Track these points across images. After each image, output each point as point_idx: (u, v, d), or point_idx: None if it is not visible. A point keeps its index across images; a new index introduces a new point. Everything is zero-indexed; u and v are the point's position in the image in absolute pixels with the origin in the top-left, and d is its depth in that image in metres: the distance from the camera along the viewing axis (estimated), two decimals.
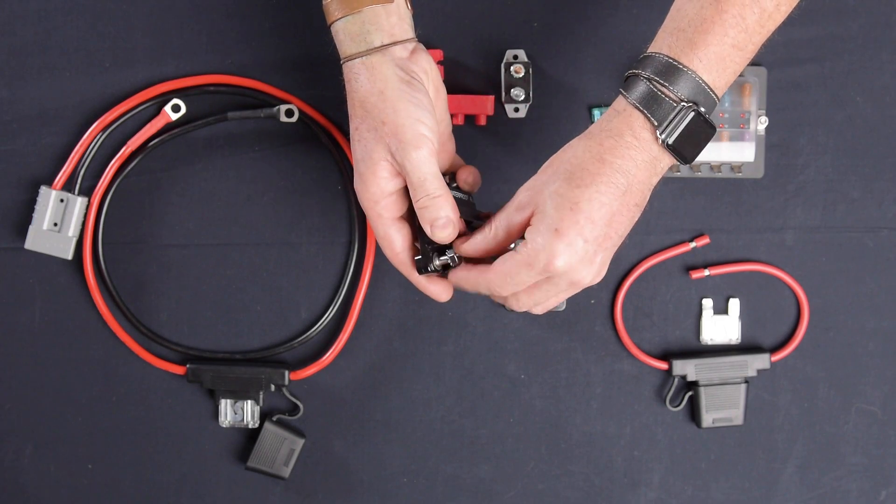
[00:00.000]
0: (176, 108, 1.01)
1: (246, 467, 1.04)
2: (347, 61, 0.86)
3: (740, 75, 1.01)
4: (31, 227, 1.01)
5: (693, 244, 1.04)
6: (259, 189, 1.03)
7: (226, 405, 1.03)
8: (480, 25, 1.02)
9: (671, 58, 0.81)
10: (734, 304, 1.05)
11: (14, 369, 1.04)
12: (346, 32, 0.86)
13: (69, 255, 1.01)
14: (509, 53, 1.01)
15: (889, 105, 1.03)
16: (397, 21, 0.86)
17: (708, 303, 1.05)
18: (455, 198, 0.89)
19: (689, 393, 1.05)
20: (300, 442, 1.04)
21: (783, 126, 1.03)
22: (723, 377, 1.04)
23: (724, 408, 1.04)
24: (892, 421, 1.06)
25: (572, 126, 1.02)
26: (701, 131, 0.82)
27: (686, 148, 0.82)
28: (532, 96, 1.01)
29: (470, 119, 1.02)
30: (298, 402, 1.04)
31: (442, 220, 0.85)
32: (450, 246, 0.88)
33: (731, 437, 1.06)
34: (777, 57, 1.02)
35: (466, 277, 0.87)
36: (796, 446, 1.06)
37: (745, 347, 1.05)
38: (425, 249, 0.88)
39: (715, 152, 1.01)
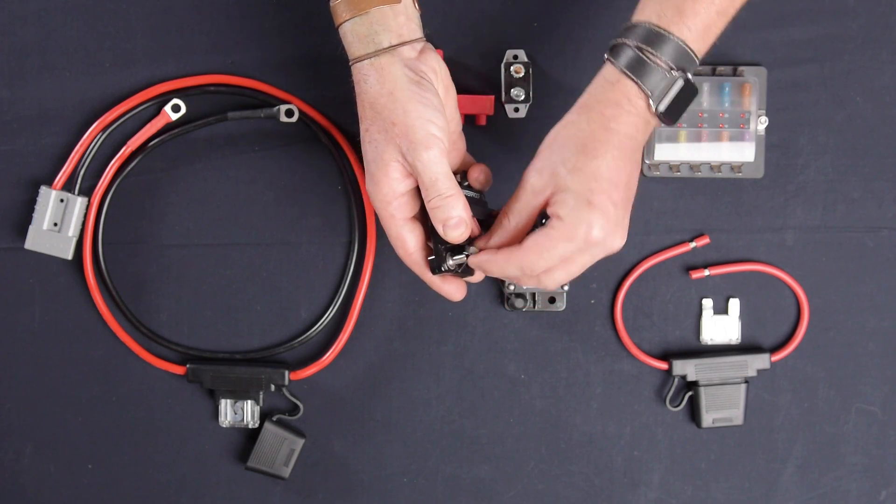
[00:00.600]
0: (176, 108, 1.01)
1: (246, 467, 1.04)
2: (356, 63, 0.86)
3: (740, 75, 1.01)
4: (31, 227, 1.01)
5: (693, 244, 1.04)
6: (259, 189, 1.03)
7: (226, 405, 1.03)
8: (480, 25, 1.02)
9: (660, 27, 0.83)
10: (734, 304, 1.05)
11: (14, 369, 1.04)
12: (354, 34, 0.86)
13: (69, 255, 1.01)
14: (509, 53, 1.01)
15: (889, 105, 1.03)
16: (405, 21, 0.86)
17: (708, 303, 1.05)
18: (467, 196, 0.88)
19: (689, 393, 1.05)
20: (300, 442, 1.04)
21: (783, 126, 1.03)
22: (723, 377, 1.04)
23: (724, 408, 1.04)
24: (892, 421, 1.06)
25: None
26: (687, 96, 0.85)
27: (674, 112, 0.85)
28: (532, 96, 1.01)
29: (470, 119, 1.02)
30: (298, 402, 1.04)
31: (454, 219, 0.86)
32: (463, 246, 0.88)
33: (731, 437, 1.06)
34: (777, 57, 1.02)
35: (494, 261, 0.86)
36: (796, 446, 1.06)
37: (745, 347, 1.05)
38: (438, 249, 0.88)
39: (715, 152, 1.01)
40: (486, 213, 0.91)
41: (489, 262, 0.86)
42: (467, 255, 0.88)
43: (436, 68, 0.87)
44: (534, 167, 0.85)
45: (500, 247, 0.87)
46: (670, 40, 0.83)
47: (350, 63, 0.87)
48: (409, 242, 0.89)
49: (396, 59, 0.86)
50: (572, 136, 0.83)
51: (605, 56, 0.85)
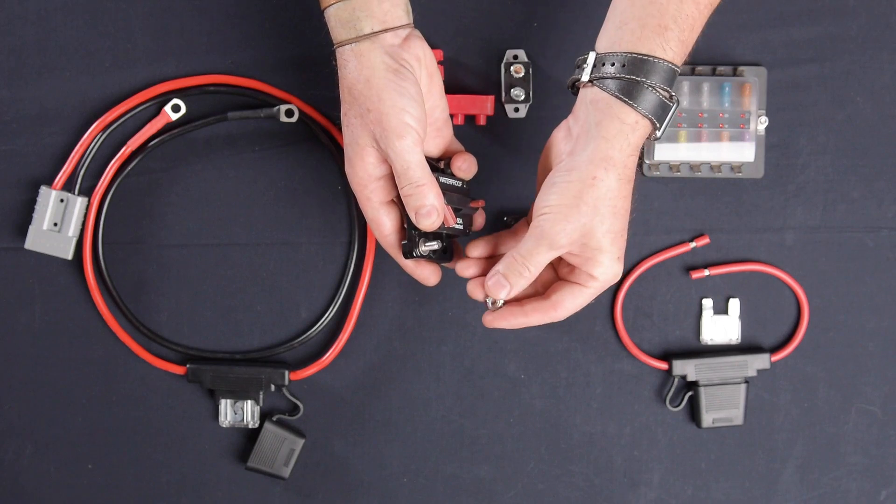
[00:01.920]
0: (176, 108, 1.01)
1: (246, 467, 1.04)
2: (338, 47, 0.87)
3: (740, 75, 1.01)
4: (31, 227, 1.01)
5: (693, 244, 1.04)
6: (259, 189, 1.03)
7: (226, 405, 1.03)
8: (480, 25, 1.02)
9: (667, 61, 0.83)
10: (734, 304, 1.05)
11: (14, 369, 1.04)
12: (336, 18, 0.86)
13: (69, 255, 1.01)
14: (509, 53, 1.01)
15: (889, 105, 1.03)
16: (390, 7, 0.86)
17: (708, 303, 1.05)
18: (448, 184, 0.89)
19: (689, 393, 1.05)
20: (300, 442, 1.04)
21: (783, 126, 1.03)
22: (723, 377, 1.04)
23: (724, 408, 1.04)
24: (892, 421, 1.06)
25: None
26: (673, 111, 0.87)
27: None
28: (532, 96, 1.01)
29: (470, 119, 1.02)
30: (298, 402, 1.04)
31: (426, 208, 0.86)
32: (438, 232, 0.89)
33: (731, 437, 1.06)
34: (777, 57, 1.02)
35: (525, 322, 0.89)
36: (796, 446, 1.06)
37: (745, 347, 1.05)
38: (411, 234, 0.89)
39: (715, 152, 1.01)
40: (466, 202, 0.91)
41: (520, 323, 0.89)
42: (443, 243, 0.89)
43: (419, 56, 0.87)
44: (562, 223, 0.84)
45: (520, 298, 0.90)
46: (659, 66, 0.83)
47: (333, 48, 0.87)
48: (384, 225, 0.90)
49: (377, 45, 0.86)
50: (603, 198, 0.84)
51: (580, 78, 0.85)
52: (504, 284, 0.87)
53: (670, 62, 0.83)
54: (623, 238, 0.86)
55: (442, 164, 0.92)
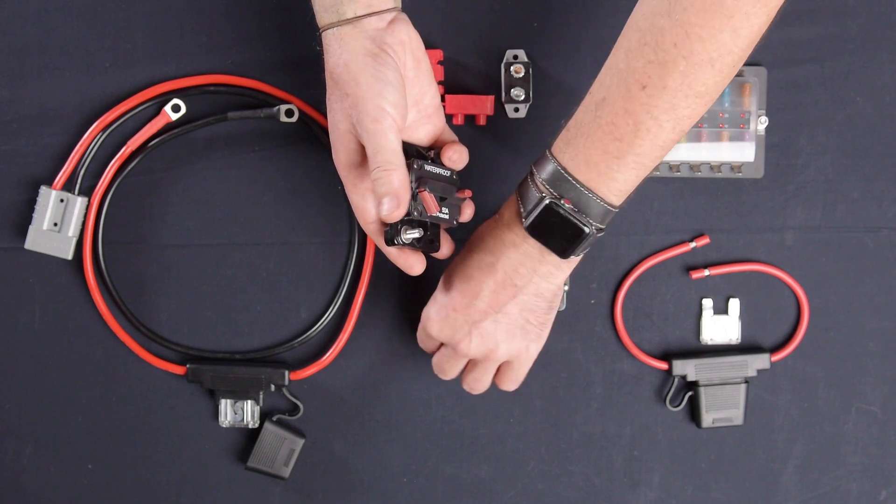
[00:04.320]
0: (176, 108, 1.01)
1: (246, 467, 1.04)
2: (322, 31, 0.87)
3: (740, 75, 1.01)
4: (31, 227, 1.01)
5: (693, 244, 1.04)
6: (259, 189, 1.03)
7: (226, 405, 1.03)
8: (480, 25, 1.02)
9: (549, 151, 0.87)
10: (734, 304, 1.05)
11: (14, 369, 1.04)
12: (320, 3, 0.86)
13: (69, 255, 1.01)
14: (509, 53, 1.01)
15: (889, 105, 1.03)
16: None
17: (708, 303, 1.05)
18: (434, 172, 0.89)
19: (689, 393, 1.05)
20: (300, 442, 1.04)
21: (783, 126, 1.03)
22: (723, 377, 1.04)
23: (724, 408, 1.04)
24: (892, 421, 1.06)
25: None
26: (561, 224, 0.86)
27: (548, 237, 0.87)
28: (532, 96, 1.01)
29: (470, 119, 1.02)
30: (298, 402, 1.04)
31: (389, 195, 0.85)
32: (423, 220, 0.89)
33: (731, 437, 1.06)
34: (777, 57, 1.02)
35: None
36: (796, 446, 1.06)
37: (745, 347, 1.05)
38: (395, 223, 0.88)
39: (715, 152, 1.01)
40: (453, 192, 0.91)
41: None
42: (426, 232, 0.89)
43: (404, 40, 0.87)
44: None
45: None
46: (547, 159, 0.86)
47: (317, 33, 0.87)
48: (368, 212, 0.89)
49: (358, 30, 0.85)
50: (479, 303, 0.92)
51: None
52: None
53: (539, 186, 0.87)
54: (450, 296, 0.92)
55: (432, 154, 0.91)
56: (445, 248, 0.93)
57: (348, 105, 0.85)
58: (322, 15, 0.87)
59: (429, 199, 0.88)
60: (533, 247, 0.88)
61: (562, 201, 0.85)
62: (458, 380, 1.05)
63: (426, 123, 0.91)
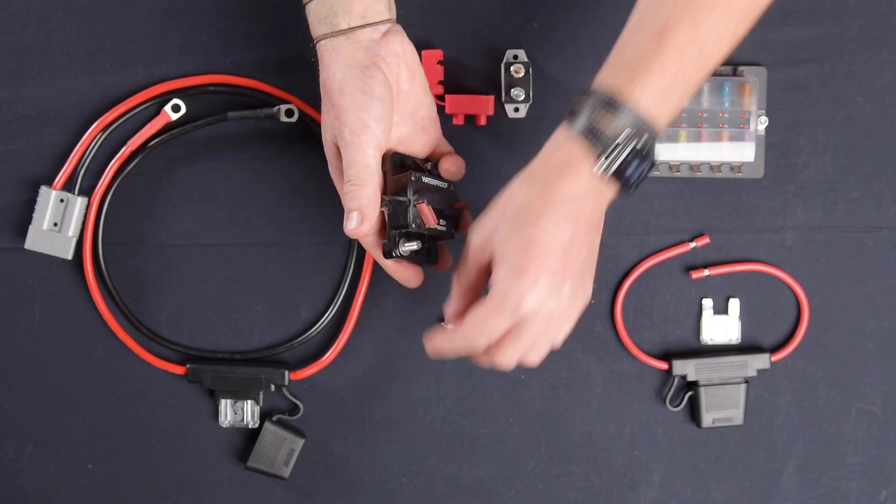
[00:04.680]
0: (176, 108, 1.01)
1: (246, 467, 1.04)
2: (316, 42, 0.87)
3: (740, 75, 1.01)
4: (31, 227, 1.01)
5: (693, 244, 1.04)
6: (259, 189, 1.03)
7: (226, 405, 1.03)
8: (480, 25, 1.02)
9: (612, 91, 0.80)
10: (734, 304, 1.05)
11: (14, 369, 1.04)
12: (315, 14, 0.86)
13: (69, 255, 1.01)
14: (509, 53, 1.01)
15: (889, 105, 1.03)
16: (371, 2, 0.86)
17: (708, 303, 1.05)
18: (432, 184, 0.88)
19: (689, 393, 1.05)
20: (300, 442, 1.04)
21: (783, 126, 1.03)
22: (723, 377, 1.04)
23: (724, 408, 1.04)
24: (892, 421, 1.06)
25: None
26: (642, 162, 0.81)
27: (627, 178, 0.81)
28: (532, 96, 1.01)
29: (470, 119, 1.02)
30: (298, 402, 1.04)
31: (356, 210, 0.84)
32: (421, 232, 0.88)
33: (731, 437, 1.06)
34: (777, 57, 1.02)
35: (442, 339, 0.84)
36: (796, 446, 1.06)
37: (745, 347, 1.05)
38: (391, 234, 0.88)
39: (715, 152, 1.01)
40: (451, 204, 0.91)
41: (440, 343, 0.84)
42: (424, 245, 0.88)
43: (398, 51, 0.87)
44: (477, 225, 0.83)
45: (458, 312, 0.85)
46: (621, 105, 0.79)
47: (311, 44, 0.88)
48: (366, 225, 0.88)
49: (351, 41, 0.85)
50: (511, 202, 0.81)
51: (566, 119, 0.83)
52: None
53: (610, 87, 0.80)
54: (534, 255, 0.79)
55: (429, 165, 0.91)
56: (444, 261, 0.93)
57: (333, 116, 0.86)
58: (316, 26, 0.87)
59: (427, 211, 0.87)
60: (606, 189, 0.82)
61: (639, 142, 0.80)
62: (458, 380, 1.05)
63: (422, 135, 0.90)
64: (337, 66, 0.85)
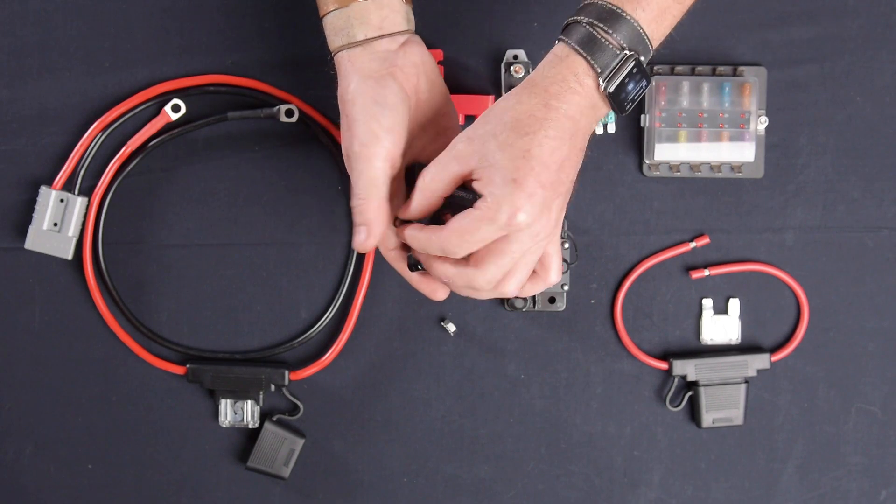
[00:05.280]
0: (176, 108, 1.01)
1: (246, 467, 1.04)
2: (334, 55, 0.86)
3: (740, 75, 1.01)
4: (31, 227, 1.01)
5: (693, 244, 1.04)
6: (259, 189, 1.03)
7: (226, 405, 1.03)
8: (480, 25, 1.02)
9: (613, 5, 0.79)
10: (734, 304, 1.05)
11: (14, 369, 1.04)
12: (331, 26, 0.85)
13: (69, 255, 1.01)
14: (509, 53, 1.01)
15: (889, 105, 1.03)
16: (389, 13, 0.85)
17: (708, 303, 1.05)
18: (459, 196, 0.85)
19: (689, 393, 1.05)
20: (300, 442, 1.04)
21: (783, 126, 1.03)
22: (723, 377, 1.04)
23: (724, 408, 1.04)
24: (892, 421, 1.06)
25: None
26: (639, 83, 0.81)
27: (623, 98, 0.81)
28: None
29: (470, 119, 1.02)
30: (298, 402, 1.04)
31: (363, 226, 0.83)
32: None
33: (731, 437, 1.06)
34: (777, 57, 1.02)
35: (417, 237, 0.82)
36: (796, 446, 1.06)
37: (745, 347, 1.05)
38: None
39: (715, 152, 1.01)
40: None
41: (412, 238, 0.82)
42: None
43: (416, 62, 0.85)
44: (465, 133, 0.80)
45: (418, 213, 0.82)
46: (623, 19, 0.79)
47: (330, 56, 0.86)
48: (389, 240, 0.86)
49: (367, 52, 0.84)
50: (510, 109, 0.79)
51: (559, 36, 0.81)
52: (407, 204, 0.82)
53: (609, 3, 0.79)
54: (529, 166, 0.77)
55: None
56: None
57: (346, 127, 0.84)
58: (333, 38, 0.86)
59: None
60: (602, 108, 0.81)
61: (639, 56, 0.80)
62: (458, 380, 1.05)
63: (444, 145, 0.85)
64: (352, 76, 0.84)
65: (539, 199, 0.78)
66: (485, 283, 0.81)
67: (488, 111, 0.81)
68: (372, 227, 0.83)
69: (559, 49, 0.81)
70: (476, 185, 0.79)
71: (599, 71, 0.79)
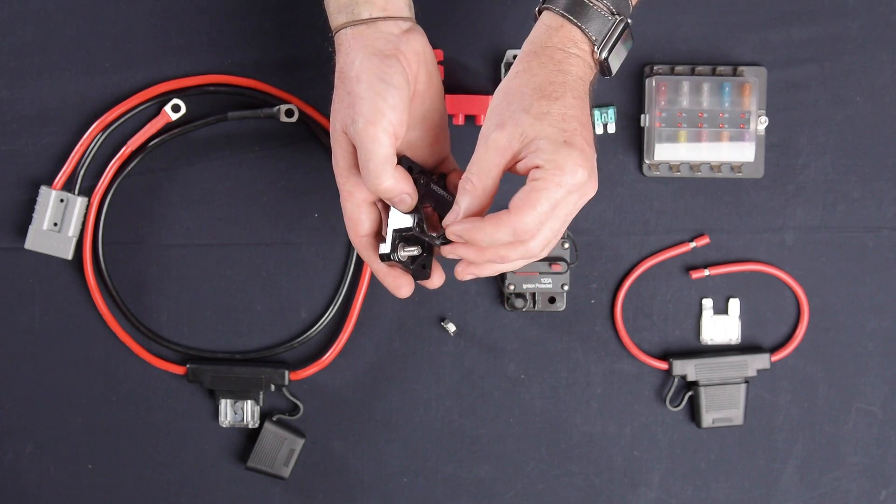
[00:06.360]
0: (176, 108, 1.01)
1: (246, 467, 1.04)
2: (335, 33, 0.84)
3: (740, 75, 1.01)
4: (31, 227, 1.01)
5: (693, 244, 1.04)
6: (259, 189, 1.03)
7: (226, 405, 1.03)
8: (480, 25, 1.02)
9: None
10: (734, 304, 1.05)
11: (14, 369, 1.04)
12: (335, 4, 0.84)
13: (69, 255, 1.01)
14: (509, 53, 1.01)
15: (889, 105, 1.03)
16: None
17: (708, 303, 1.05)
18: (439, 195, 0.85)
19: (689, 393, 1.05)
20: (300, 442, 1.04)
21: (783, 126, 1.03)
22: (723, 377, 1.04)
23: (724, 408, 1.04)
24: (892, 421, 1.06)
25: None
26: (625, 45, 0.83)
27: (613, 60, 0.83)
28: None
29: (470, 119, 1.02)
30: (298, 402, 1.04)
31: (397, 196, 0.82)
32: (420, 238, 0.85)
33: (731, 437, 1.06)
34: (777, 57, 1.02)
35: (481, 228, 0.79)
36: (796, 446, 1.06)
37: (745, 347, 1.05)
38: (393, 235, 0.84)
39: (715, 152, 1.01)
40: None
41: (474, 231, 0.79)
42: (423, 252, 0.85)
43: (419, 50, 0.84)
44: (492, 124, 0.80)
45: (472, 215, 0.81)
46: None
47: (331, 34, 0.85)
48: (362, 225, 0.85)
49: (373, 30, 0.83)
50: (527, 83, 0.80)
51: (540, 5, 0.82)
52: (456, 210, 0.81)
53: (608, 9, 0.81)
54: (573, 127, 0.78)
55: (435, 177, 0.87)
56: (436, 278, 0.88)
57: (347, 104, 0.82)
58: (336, 16, 0.84)
59: (434, 217, 0.85)
60: (593, 71, 0.83)
61: (627, 19, 0.82)
62: (458, 380, 1.05)
63: (432, 143, 0.86)
64: (356, 52, 0.82)
65: (590, 154, 0.79)
66: (539, 248, 0.80)
67: (500, 96, 0.81)
68: (411, 195, 0.82)
69: (549, 19, 0.82)
70: (527, 163, 0.78)
71: (594, 39, 0.81)
